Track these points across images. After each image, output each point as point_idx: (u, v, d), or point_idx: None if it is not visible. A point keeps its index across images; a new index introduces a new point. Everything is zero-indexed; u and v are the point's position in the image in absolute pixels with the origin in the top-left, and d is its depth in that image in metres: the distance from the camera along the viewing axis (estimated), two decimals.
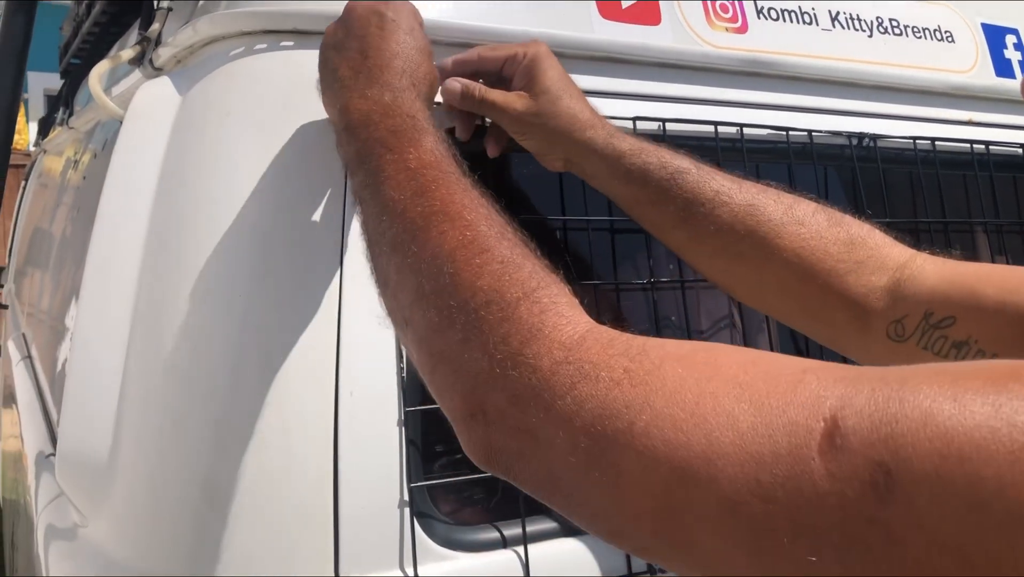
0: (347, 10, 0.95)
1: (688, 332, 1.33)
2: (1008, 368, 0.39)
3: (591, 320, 0.58)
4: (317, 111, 1.04)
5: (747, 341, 1.40)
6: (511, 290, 0.59)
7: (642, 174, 0.96)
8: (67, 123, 2.65)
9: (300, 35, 1.09)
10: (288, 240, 1.03)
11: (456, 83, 1.01)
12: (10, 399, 2.63)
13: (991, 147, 1.59)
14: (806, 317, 0.92)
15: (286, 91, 1.07)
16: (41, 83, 7.39)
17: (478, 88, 1.02)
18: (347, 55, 0.90)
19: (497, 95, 1.01)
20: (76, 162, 2.27)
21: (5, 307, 2.34)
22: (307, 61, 1.06)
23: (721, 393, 0.45)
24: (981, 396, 0.37)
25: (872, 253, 0.88)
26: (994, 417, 0.36)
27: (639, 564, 1.15)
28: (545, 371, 0.52)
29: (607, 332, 0.55)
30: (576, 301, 0.62)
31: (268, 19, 1.09)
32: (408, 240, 0.67)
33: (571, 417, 0.50)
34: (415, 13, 0.97)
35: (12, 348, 2.67)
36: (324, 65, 0.95)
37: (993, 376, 0.38)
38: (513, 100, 1.00)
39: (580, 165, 1.02)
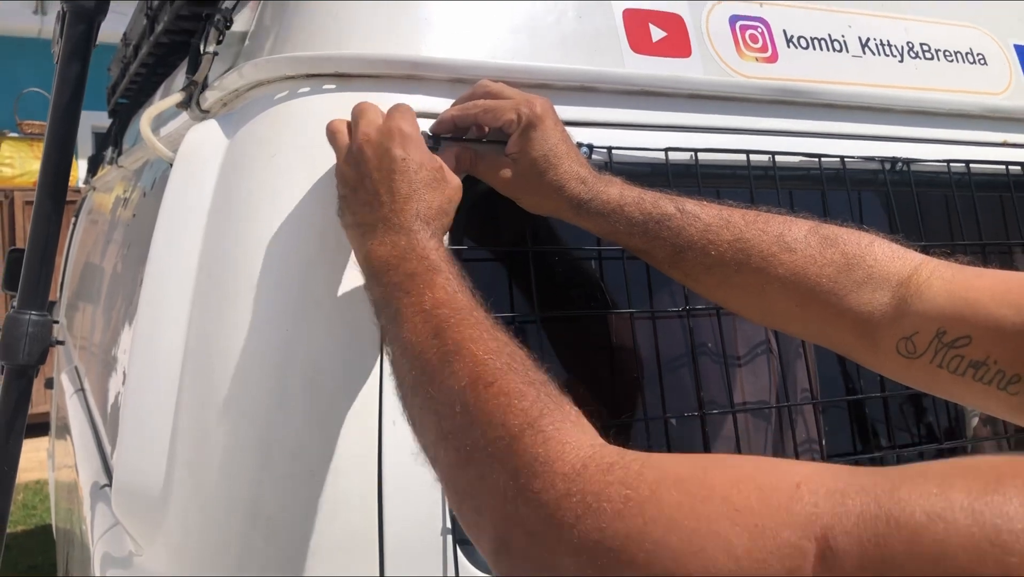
0: (357, 148, 0.97)
1: (725, 358, 1.35)
2: (1000, 467, 0.40)
3: (595, 439, 0.60)
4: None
5: (783, 366, 1.41)
6: (515, 422, 0.61)
7: (628, 227, 1.00)
8: (116, 162, 2.74)
9: (342, 78, 1.14)
10: (331, 275, 1.07)
11: (450, 154, 1.04)
12: (63, 430, 2.70)
13: None
14: (818, 338, 0.94)
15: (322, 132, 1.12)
16: (89, 121, 7.63)
17: (469, 158, 1.06)
18: (363, 198, 0.94)
19: (487, 166, 1.06)
20: (126, 200, 2.34)
21: (61, 343, 2.42)
22: (348, 102, 1.10)
23: (716, 516, 0.46)
24: (968, 509, 0.38)
25: (871, 271, 0.88)
26: (980, 535, 0.38)
27: None
28: (551, 506, 0.54)
29: (607, 455, 0.57)
30: (582, 420, 0.64)
31: (311, 64, 1.13)
32: (426, 381, 0.71)
33: (579, 550, 0.52)
34: (415, 124, 0.99)
35: (65, 380, 2.75)
36: (342, 206, 0.99)
37: (985, 477, 0.40)
38: (503, 170, 1.04)
39: (569, 219, 1.05)
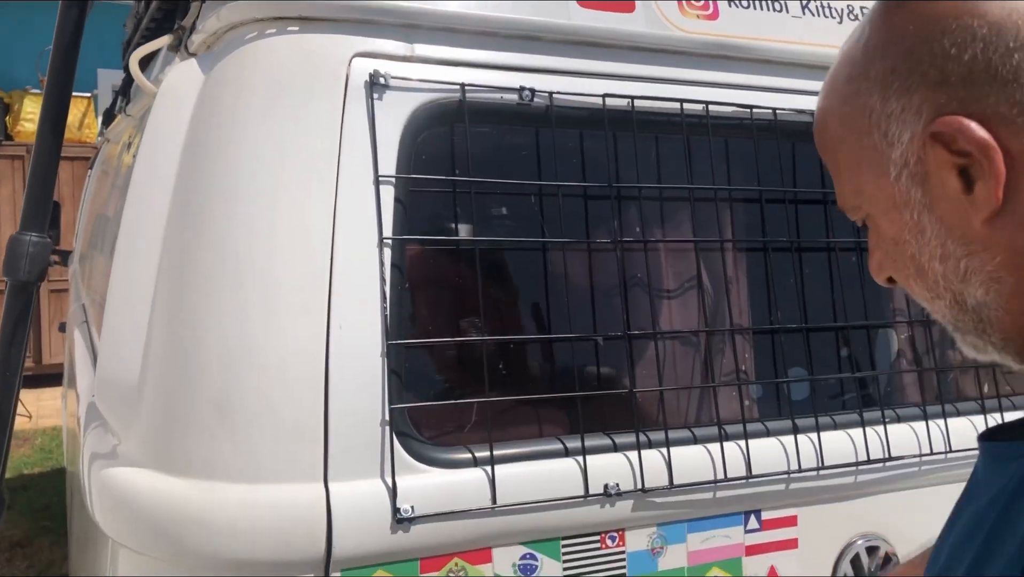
0: None
1: (650, 295, 1.48)
2: None
3: None
4: (317, 85, 1.23)
5: (715, 300, 1.54)
6: None
7: None
8: (125, 111, 2.89)
9: (305, 21, 1.27)
10: (287, 195, 1.21)
11: None
12: (73, 380, 2.87)
13: None
14: None
15: (292, 69, 1.25)
16: (110, 79, 7.79)
17: None
18: None
19: None
20: (129, 145, 2.49)
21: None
22: (310, 44, 1.24)
23: None
24: None
25: None
26: None
27: (596, 487, 1.30)
28: None
29: None
30: None
31: (277, 7, 1.27)
32: None
33: None
34: None
35: (77, 333, 2.90)
36: None
37: None
38: None
39: None
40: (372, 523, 1.19)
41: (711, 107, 1.49)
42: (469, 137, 1.32)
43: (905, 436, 1.56)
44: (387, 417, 1.21)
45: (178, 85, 1.34)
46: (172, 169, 1.29)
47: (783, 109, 1.55)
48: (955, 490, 1.59)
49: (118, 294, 1.28)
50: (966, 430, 1.61)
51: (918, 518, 1.56)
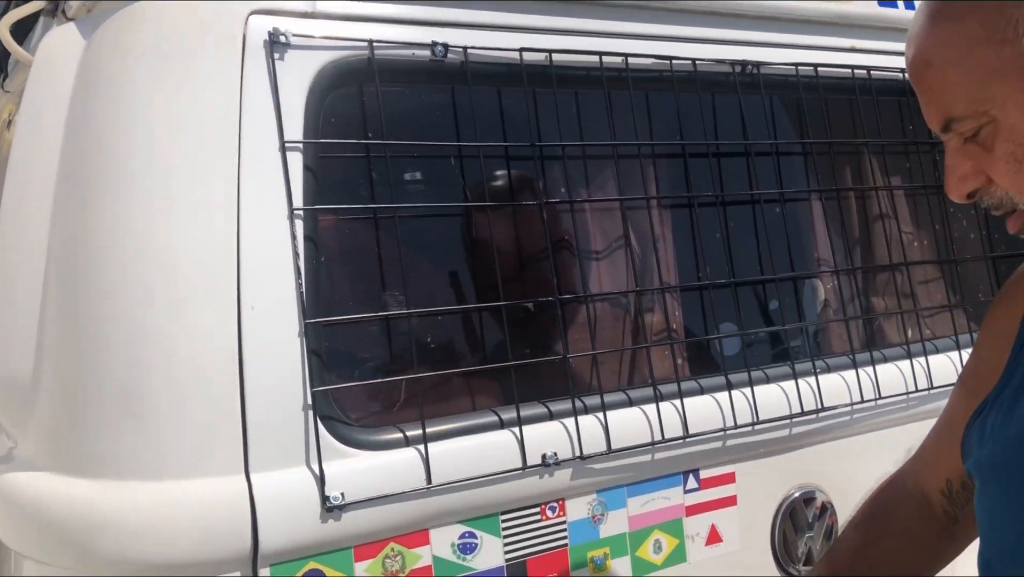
0: None
1: (579, 256, 1.43)
2: None
3: None
4: (211, 47, 1.13)
5: (643, 258, 1.50)
6: None
7: None
8: (3, 86, 2.68)
9: None
10: (184, 167, 1.11)
11: None
12: None
13: (873, 72, 1.69)
14: None
15: (182, 30, 1.15)
16: None
17: None
18: None
19: None
20: (10, 122, 2.31)
21: None
22: (196, 6, 1.14)
23: None
24: None
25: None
26: None
27: (534, 457, 1.25)
28: None
29: None
30: None
31: None
32: None
33: None
34: None
35: None
36: None
37: None
38: None
39: None
40: (300, 514, 1.12)
41: (630, 59, 1.44)
42: (380, 97, 1.24)
43: (836, 386, 1.56)
44: (309, 401, 1.13)
45: (56, 53, 1.22)
46: (55, 145, 1.17)
47: (703, 60, 1.51)
48: (886, 437, 1.61)
49: (3, 285, 1.16)
50: (893, 376, 1.62)
51: (852, 466, 1.57)
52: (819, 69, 1.62)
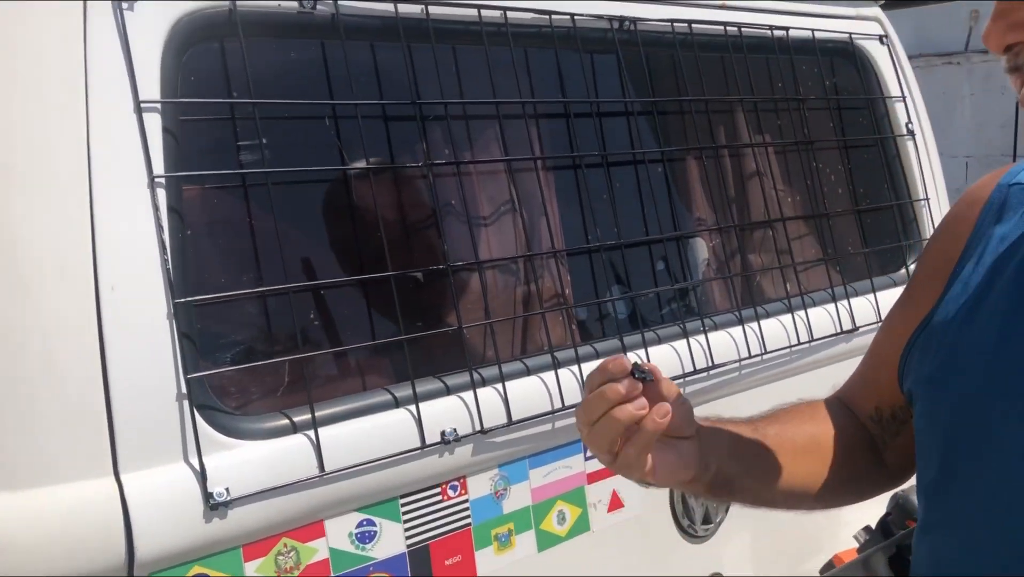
0: None
1: (468, 221, 1.36)
2: None
3: None
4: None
5: (532, 223, 1.44)
6: None
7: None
8: None
9: None
10: (22, 132, 0.97)
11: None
12: None
13: (744, 29, 1.69)
14: None
15: None
16: None
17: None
18: None
19: None
20: None
21: None
22: None
23: None
24: None
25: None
26: None
27: (432, 435, 1.18)
28: None
29: None
30: None
31: None
32: None
33: None
34: None
35: None
36: None
37: None
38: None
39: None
40: (180, 514, 1.01)
41: (509, 14, 1.37)
42: (246, 53, 1.12)
43: (725, 343, 1.56)
44: (183, 389, 1.02)
45: None
46: None
47: (582, 15, 1.46)
48: (772, 391, 1.63)
49: None
50: (777, 331, 1.64)
51: None
52: (693, 26, 1.61)
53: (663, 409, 0.78)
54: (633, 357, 0.90)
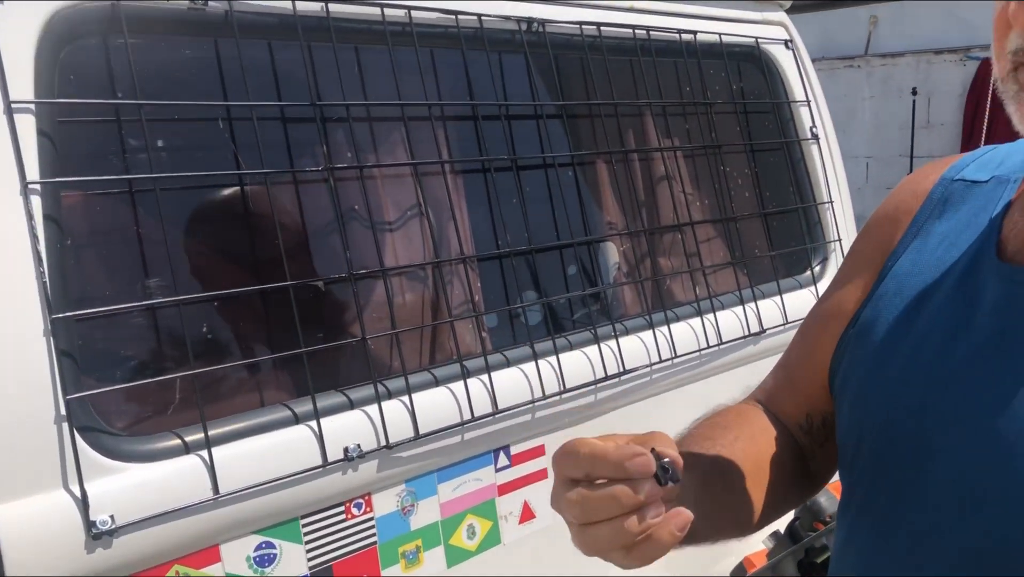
0: None
1: (372, 227, 1.31)
2: None
3: None
4: None
5: (439, 228, 1.41)
6: None
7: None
8: None
9: None
10: None
11: None
12: None
13: (652, 33, 1.68)
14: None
15: None
16: None
17: None
18: None
19: None
20: None
21: None
22: None
23: None
24: None
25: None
26: None
27: (335, 452, 1.13)
28: None
29: None
30: None
31: None
32: None
33: None
34: None
35: None
36: None
37: None
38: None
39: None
40: (60, 545, 0.94)
41: (414, 13, 1.33)
42: (131, 51, 1.06)
43: (635, 348, 1.55)
44: (63, 411, 0.95)
45: None
46: None
47: (489, 16, 1.43)
48: (682, 395, 1.63)
49: None
50: (687, 334, 1.64)
51: (654, 426, 1.55)
52: (602, 29, 1.59)
53: (682, 520, 0.60)
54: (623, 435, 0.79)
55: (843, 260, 0.92)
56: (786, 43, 2.01)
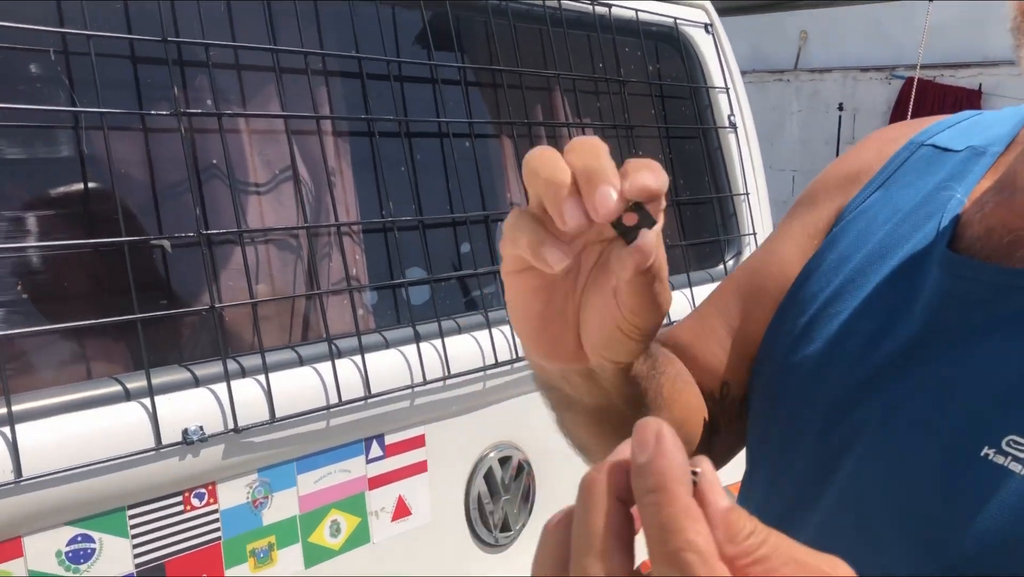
0: None
1: (231, 184, 1.18)
2: None
3: None
4: None
5: (316, 193, 1.28)
6: None
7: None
8: None
9: None
10: None
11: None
12: None
13: (564, 2, 1.58)
14: None
15: None
16: None
17: None
18: None
19: None
20: None
21: None
22: None
23: None
24: None
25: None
26: None
27: (172, 434, 0.99)
28: None
29: None
30: None
31: None
32: None
33: None
34: None
35: None
36: None
37: None
38: None
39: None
40: None
41: None
42: None
43: None
44: None
45: None
46: None
47: None
48: None
49: None
50: None
51: (548, 420, 1.45)
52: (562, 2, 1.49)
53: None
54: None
55: (794, 206, 0.78)
56: (706, 27, 1.93)
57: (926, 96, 6.18)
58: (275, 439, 1.10)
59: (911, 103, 5.72)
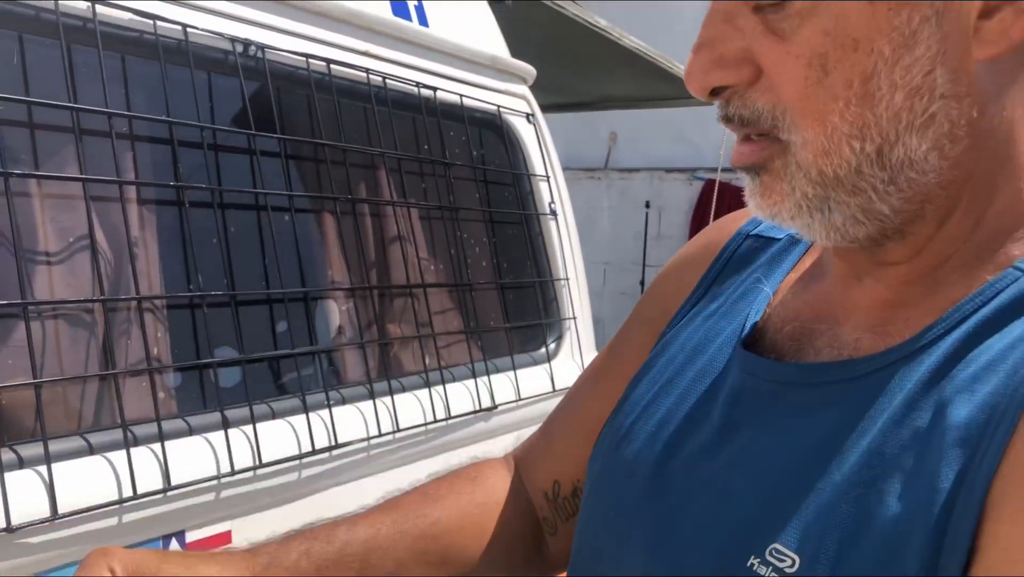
0: None
1: (17, 255, 1.06)
2: None
3: None
4: None
5: (115, 262, 1.17)
6: None
7: None
8: None
9: None
10: None
11: None
12: None
13: (388, 81, 1.57)
14: None
15: None
16: None
17: None
18: None
19: None
20: None
21: None
22: None
23: None
24: None
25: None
26: None
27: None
28: None
29: None
30: None
31: None
32: None
33: None
34: None
35: None
36: None
37: None
38: None
39: None
40: None
41: (100, 8, 1.12)
42: None
43: (352, 419, 1.36)
44: None
45: None
46: None
47: (196, 29, 1.24)
48: (403, 474, 1.46)
49: None
50: (412, 406, 1.48)
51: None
52: (332, 67, 1.46)
53: None
54: None
55: (636, 307, 0.80)
56: (528, 116, 1.97)
57: (724, 197, 6.64)
58: (57, 538, 0.97)
59: (712, 203, 6.11)
